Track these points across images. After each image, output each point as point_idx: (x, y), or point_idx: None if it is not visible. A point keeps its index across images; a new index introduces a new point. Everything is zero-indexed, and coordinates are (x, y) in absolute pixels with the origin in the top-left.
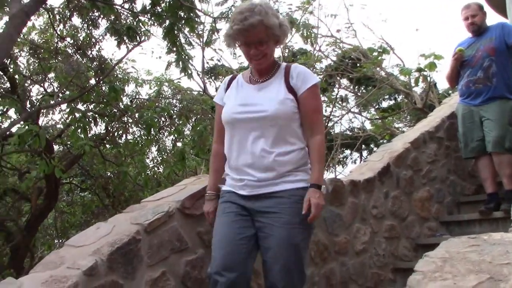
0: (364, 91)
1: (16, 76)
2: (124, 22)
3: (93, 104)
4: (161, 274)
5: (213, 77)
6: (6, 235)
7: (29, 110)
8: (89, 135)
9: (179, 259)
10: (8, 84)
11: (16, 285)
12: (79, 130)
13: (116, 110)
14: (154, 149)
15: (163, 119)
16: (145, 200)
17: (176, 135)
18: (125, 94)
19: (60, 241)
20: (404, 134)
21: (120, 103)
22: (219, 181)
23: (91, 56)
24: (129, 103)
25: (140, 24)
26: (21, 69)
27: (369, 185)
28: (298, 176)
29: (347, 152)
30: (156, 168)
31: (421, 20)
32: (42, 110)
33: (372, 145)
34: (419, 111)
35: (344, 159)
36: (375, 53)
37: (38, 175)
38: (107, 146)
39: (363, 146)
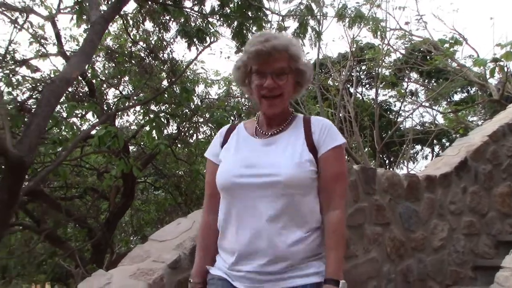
0: (435, 84)
1: (94, 81)
2: (194, 24)
3: (165, 105)
4: None
5: None
6: (87, 232)
7: (106, 113)
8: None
9: None
10: (86, 88)
11: (106, 277)
12: (153, 130)
13: (187, 111)
14: None
15: (232, 118)
16: None
17: None
18: (195, 94)
19: (136, 237)
20: (481, 127)
21: (191, 104)
22: (209, 263)
23: (162, 58)
24: (199, 103)
25: (209, 25)
26: (98, 73)
27: (445, 180)
28: (312, 268)
29: (418, 147)
30: None
31: (495, 8)
32: (117, 113)
33: (444, 140)
34: (495, 103)
35: (415, 155)
36: (447, 45)
37: (117, 174)
38: (179, 145)
39: (434, 141)
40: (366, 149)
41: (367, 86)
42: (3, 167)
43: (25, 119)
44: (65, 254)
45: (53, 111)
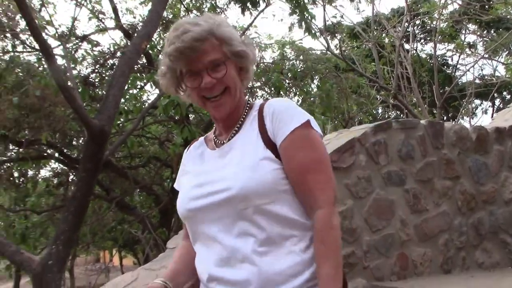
0: (494, 35)
1: (150, 51)
2: None
3: None
4: None
5: (335, 35)
6: (154, 198)
7: None
8: None
9: None
10: (144, 60)
11: None
12: None
13: None
14: None
15: (287, 81)
16: None
17: (303, 95)
18: None
19: None
20: None
21: None
22: (175, 274)
23: None
24: (254, 68)
25: None
26: (155, 44)
27: None
28: None
29: (477, 102)
30: None
31: None
32: None
33: (505, 93)
34: None
35: (474, 110)
36: None
37: (181, 141)
38: None
39: (495, 94)
40: (425, 105)
41: (423, 41)
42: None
43: (90, 93)
44: (135, 220)
45: (127, 81)
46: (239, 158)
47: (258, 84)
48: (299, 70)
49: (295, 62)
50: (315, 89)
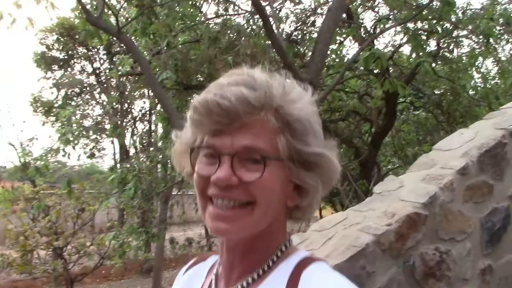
0: None
1: (350, 6)
2: None
3: (423, 22)
4: None
5: None
6: (355, 151)
7: (369, 35)
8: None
9: None
10: (344, 15)
11: (398, 181)
12: (416, 49)
13: (447, 25)
14: (488, 61)
15: (498, 27)
16: (504, 107)
17: None
18: (455, 7)
19: (397, 157)
20: None
21: (452, 17)
22: None
23: None
24: (460, 15)
25: None
26: None
27: None
28: None
29: None
30: (491, 81)
31: None
32: (381, 34)
33: None
34: None
35: None
36: None
37: (382, 94)
38: (439, 62)
39: None
40: None
41: None
42: None
43: (294, 50)
44: None
45: (332, 37)
46: None
47: (464, 32)
48: None
49: (507, 6)
50: None
